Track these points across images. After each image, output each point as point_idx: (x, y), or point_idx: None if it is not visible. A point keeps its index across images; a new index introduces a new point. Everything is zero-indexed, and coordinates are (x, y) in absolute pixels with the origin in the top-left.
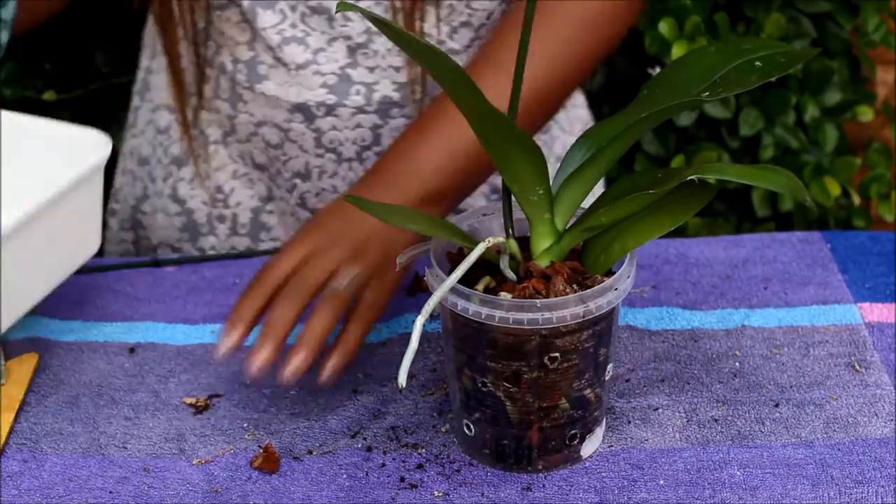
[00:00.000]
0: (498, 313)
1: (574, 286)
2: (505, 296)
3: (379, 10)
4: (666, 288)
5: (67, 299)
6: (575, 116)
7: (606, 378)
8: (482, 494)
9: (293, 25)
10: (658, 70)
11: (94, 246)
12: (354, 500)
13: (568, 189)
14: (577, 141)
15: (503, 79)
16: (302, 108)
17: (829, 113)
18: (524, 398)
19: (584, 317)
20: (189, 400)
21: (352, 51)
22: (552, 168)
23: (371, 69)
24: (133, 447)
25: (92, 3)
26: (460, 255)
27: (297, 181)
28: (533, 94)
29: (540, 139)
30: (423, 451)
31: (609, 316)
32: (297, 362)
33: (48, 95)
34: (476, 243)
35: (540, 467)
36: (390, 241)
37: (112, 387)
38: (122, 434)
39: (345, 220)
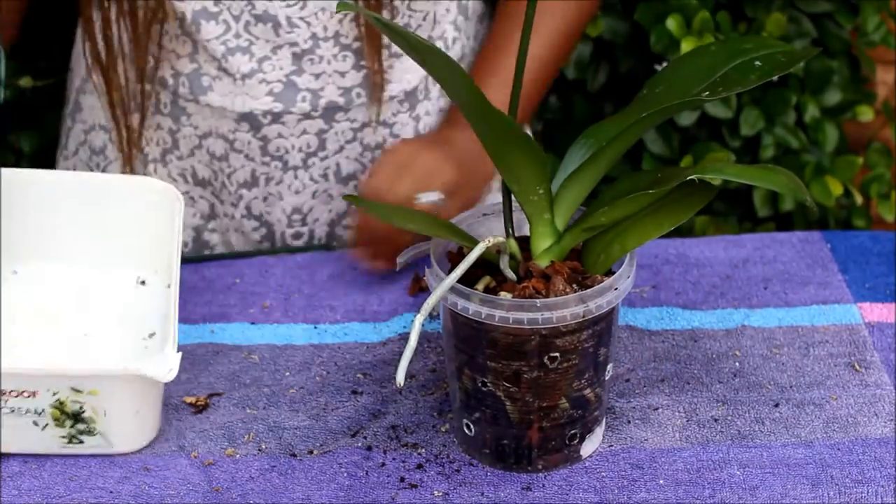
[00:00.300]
0: (498, 313)
1: (574, 286)
2: (505, 295)
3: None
4: (666, 288)
5: None
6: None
7: (606, 378)
8: (482, 494)
9: (237, 35)
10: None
11: None
12: (354, 499)
13: (568, 189)
14: (577, 140)
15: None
16: (248, 118)
17: (829, 113)
18: (524, 398)
19: (584, 317)
20: (189, 399)
21: (297, 57)
22: None
23: (317, 75)
24: None
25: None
26: (460, 255)
27: (244, 191)
28: (541, 73)
29: None
30: (423, 450)
31: (609, 316)
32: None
33: (24, 82)
34: (476, 243)
35: (540, 467)
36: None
37: None
38: None
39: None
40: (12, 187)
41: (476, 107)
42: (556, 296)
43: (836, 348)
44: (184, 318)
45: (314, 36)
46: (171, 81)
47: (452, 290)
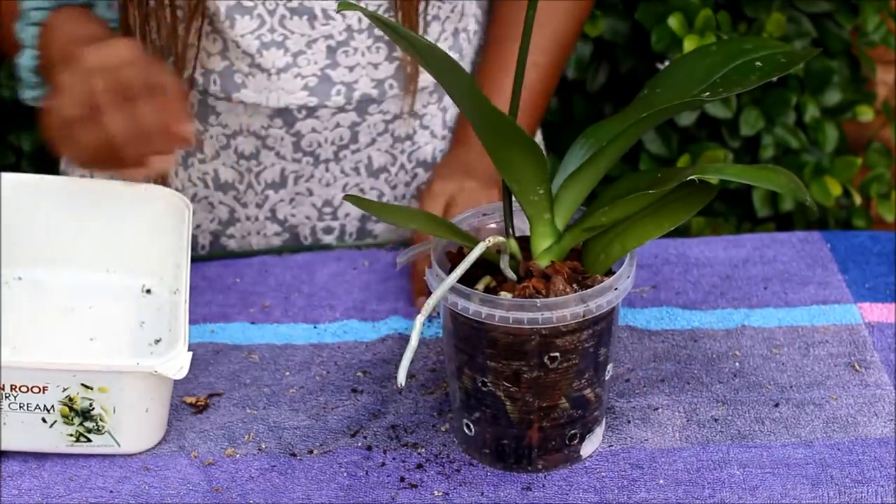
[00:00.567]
0: (498, 313)
1: (574, 286)
2: (505, 295)
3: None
4: (666, 288)
5: None
6: None
7: (606, 378)
8: (482, 494)
9: (272, 30)
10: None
11: None
12: (354, 499)
13: (568, 189)
14: (577, 140)
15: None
16: (282, 113)
17: (829, 113)
18: (524, 398)
19: (584, 316)
20: (189, 399)
21: (332, 51)
22: None
23: (351, 68)
24: None
25: None
26: (460, 255)
27: (270, 192)
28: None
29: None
30: (423, 450)
31: (609, 316)
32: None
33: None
34: (476, 243)
35: (540, 467)
36: None
37: None
38: None
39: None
40: (18, 192)
41: (477, 107)
42: (556, 296)
43: (836, 348)
44: None
45: (349, 28)
46: (200, 80)
47: (452, 289)
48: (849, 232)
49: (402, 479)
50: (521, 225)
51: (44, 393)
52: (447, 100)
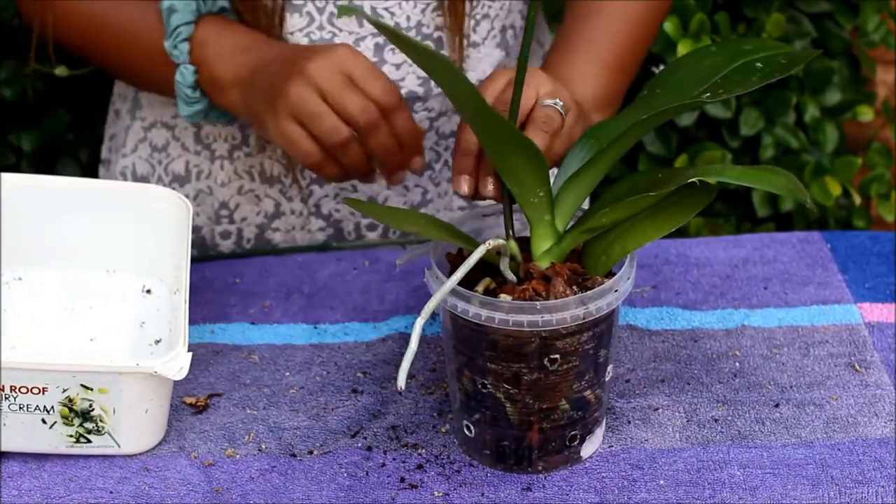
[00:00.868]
0: (498, 315)
1: (574, 288)
2: (505, 297)
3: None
4: (666, 288)
5: None
6: None
7: (606, 379)
8: (482, 495)
9: (321, 27)
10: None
11: None
12: (354, 500)
13: (568, 191)
14: (577, 142)
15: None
16: None
17: (829, 113)
18: (524, 399)
19: (584, 318)
20: (189, 399)
21: (379, 48)
22: None
23: (397, 66)
24: None
25: None
26: (460, 257)
27: (315, 187)
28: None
29: None
30: (423, 451)
31: (609, 317)
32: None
33: (60, 71)
34: (476, 245)
35: (540, 468)
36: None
37: None
38: None
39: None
40: (19, 193)
41: (476, 110)
42: (556, 298)
43: (836, 348)
44: None
45: (397, 26)
46: None
47: (452, 292)
48: (849, 232)
49: (403, 480)
50: (521, 226)
51: (43, 394)
52: None
